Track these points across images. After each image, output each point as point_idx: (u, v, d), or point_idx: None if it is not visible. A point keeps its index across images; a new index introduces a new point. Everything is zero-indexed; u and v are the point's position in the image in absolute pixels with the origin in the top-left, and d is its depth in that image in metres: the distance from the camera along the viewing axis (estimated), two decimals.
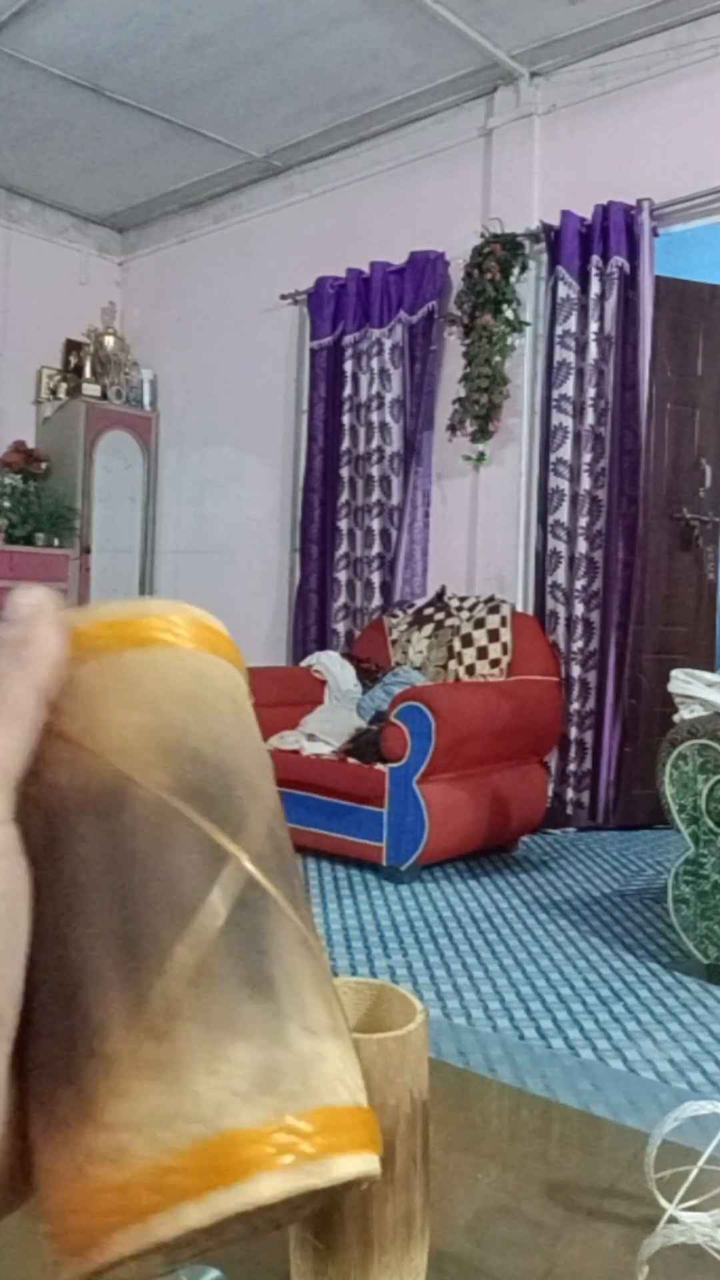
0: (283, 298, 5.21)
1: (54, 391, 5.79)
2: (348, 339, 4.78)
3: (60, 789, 0.23)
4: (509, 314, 4.20)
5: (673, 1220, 0.53)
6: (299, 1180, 0.21)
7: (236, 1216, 0.21)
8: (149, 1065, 0.21)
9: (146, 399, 5.90)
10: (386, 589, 4.62)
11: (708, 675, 2.74)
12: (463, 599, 4.14)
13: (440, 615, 4.12)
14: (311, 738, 3.77)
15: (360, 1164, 0.22)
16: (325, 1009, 0.24)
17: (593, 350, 4.00)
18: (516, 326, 4.23)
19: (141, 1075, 0.21)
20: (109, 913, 0.22)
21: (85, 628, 0.25)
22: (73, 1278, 0.21)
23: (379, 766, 3.40)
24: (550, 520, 4.12)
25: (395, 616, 4.30)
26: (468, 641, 3.94)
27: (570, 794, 4.06)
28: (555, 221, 4.09)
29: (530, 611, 4.17)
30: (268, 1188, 0.21)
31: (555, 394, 4.07)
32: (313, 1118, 0.22)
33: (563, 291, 4.06)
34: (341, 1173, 0.22)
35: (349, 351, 4.77)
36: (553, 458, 4.09)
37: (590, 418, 4.01)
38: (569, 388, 4.06)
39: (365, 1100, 0.24)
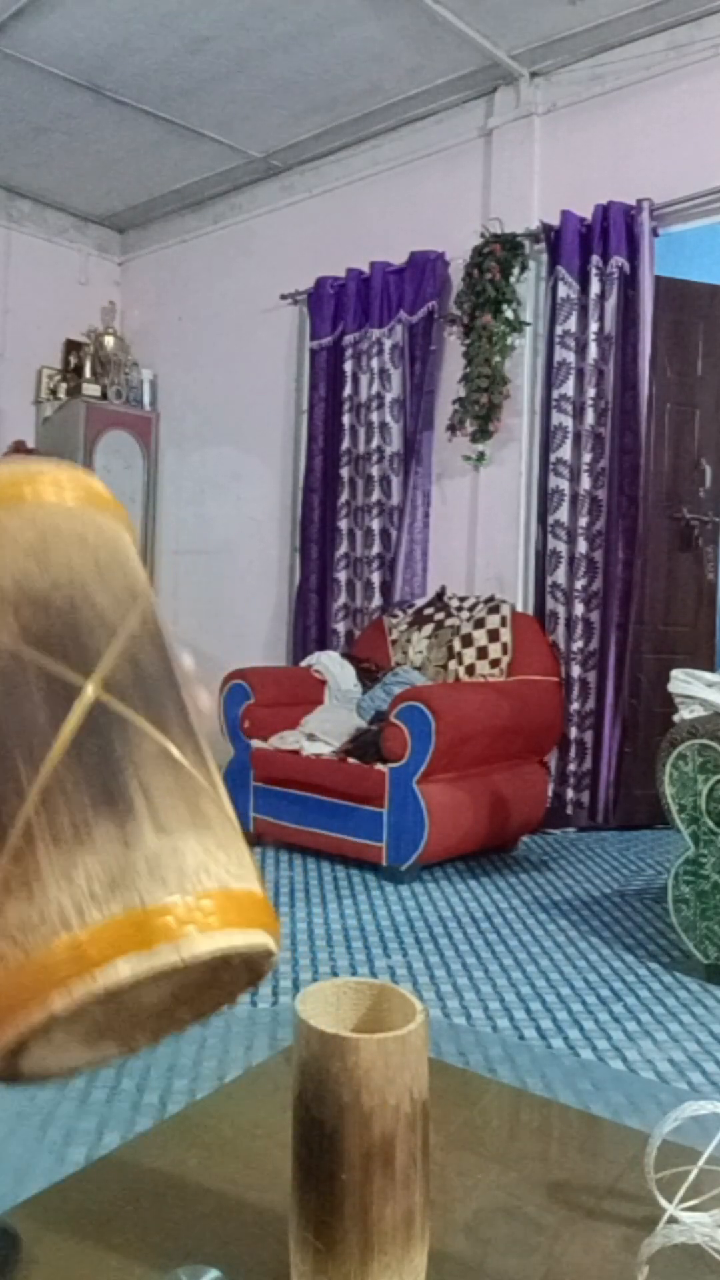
0: (283, 298, 5.22)
1: (54, 391, 5.80)
2: (348, 339, 4.78)
3: None
4: (509, 314, 4.20)
5: (673, 1220, 0.53)
6: (153, 961, 0.23)
7: (106, 999, 0.22)
8: (12, 882, 0.23)
9: (146, 399, 5.90)
10: (386, 589, 4.63)
11: (708, 675, 2.74)
12: (463, 599, 4.14)
13: (440, 615, 4.12)
14: (311, 738, 3.77)
15: (222, 940, 0.24)
16: (186, 808, 0.25)
17: (593, 350, 4.00)
18: (516, 326, 4.23)
19: (9, 892, 0.23)
20: None
21: None
22: None
23: (379, 766, 3.40)
24: (550, 520, 4.12)
25: (395, 616, 4.30)
26: (468, 641, 3.94)
27: (570, 794, 4.06)
28: (555, 221, 4.09)
29: (530, 611, 4.17)
30: (125, 969, 0.23)
31: (555, 394, 4.07)
32: (166, 908, 0.23)
33: (563, 291, 4.06)
34: (196, 950, 0.23)
35: (349, 351, 4.77)
36: (553, 458, 4.09)
37: (590, 418, 4.01)
38: (569, 388, 4.06)
39: (250, 885, 0.25)
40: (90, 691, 0.24)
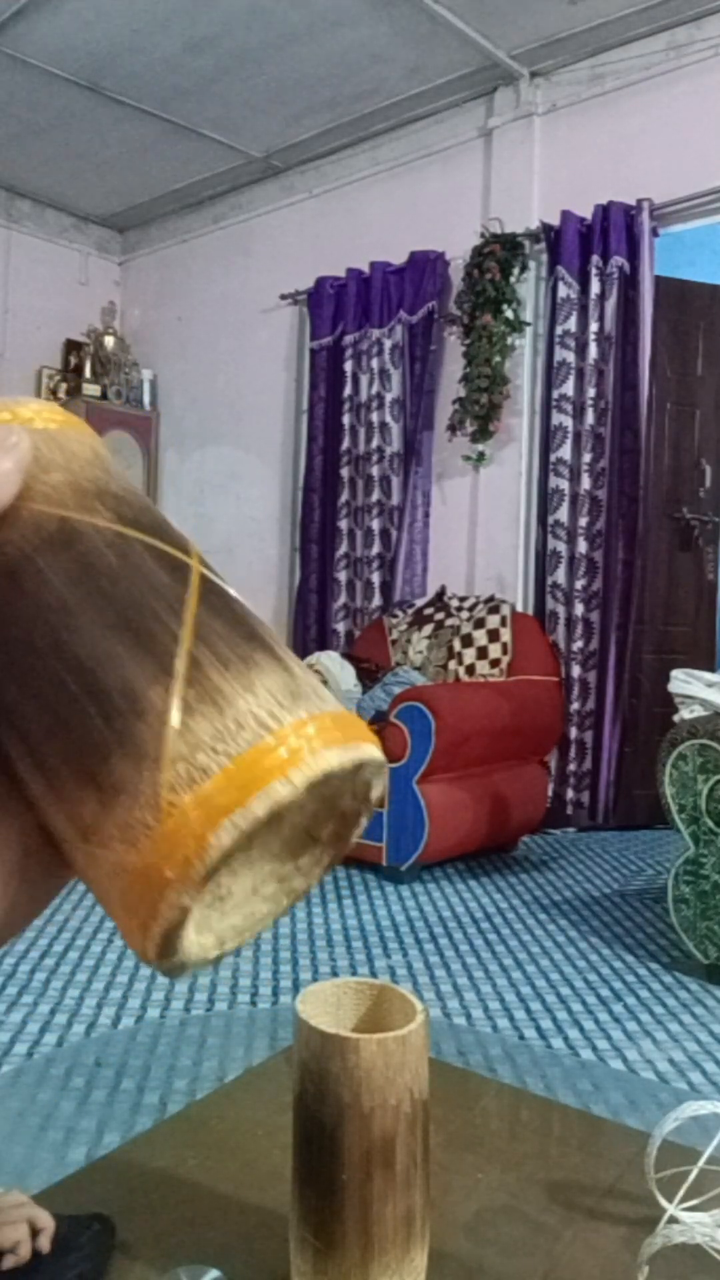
0: (283, 298, 5.22)
1: (54, 391, 5.79)
2: (348, 339, 4.78)
3: (10, 543, 0.26)
4: (509, 314, 4.20)
5: (673, 1220, 0.53)
6: (356, 753, 0.25)
7: (311, 791, 0.24)
8: (196, 702, 0.24)
9: (146, 399, 5.90)
10: (386, 589, 4.63)
11: (708, 675, 2.74)
12: (463, 599, 4.14)
13: (440, 615, 4.12)
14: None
15: (376, 749, 0.26)
16: (293, 652, 0.27)
17: (593, 350, 4.00)
18: (516, 326, 4.23)
19: (193, 713, 0.24)
20: (104, 612, 0.25)
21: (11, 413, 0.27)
22: (195, 880, 0.23)
23: None
24: (550, 520, 4.12)
25: (395, 616, 4.30)
26: (468, 641, 3.95)
27: (570, 794, 4.06)
28: (555, 221, 4.09)
29: (530, 611, 4.17)
30: (334, 757, 0.24)
31: (555, 394, 4.07)
32: (344, 713, 0.25)
33: (563, 291, 4.06)
34: (369, 753, 0.26)
35: (349, 351, 4.77)
36: (553, 458, 4.09)
37: (590, 418, 4.01)
38: (569, 388, 4.06)
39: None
40: (202, 568, 0.26)
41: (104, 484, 0.27)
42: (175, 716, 0.24)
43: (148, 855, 0.23)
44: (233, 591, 0.27)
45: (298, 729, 0.24)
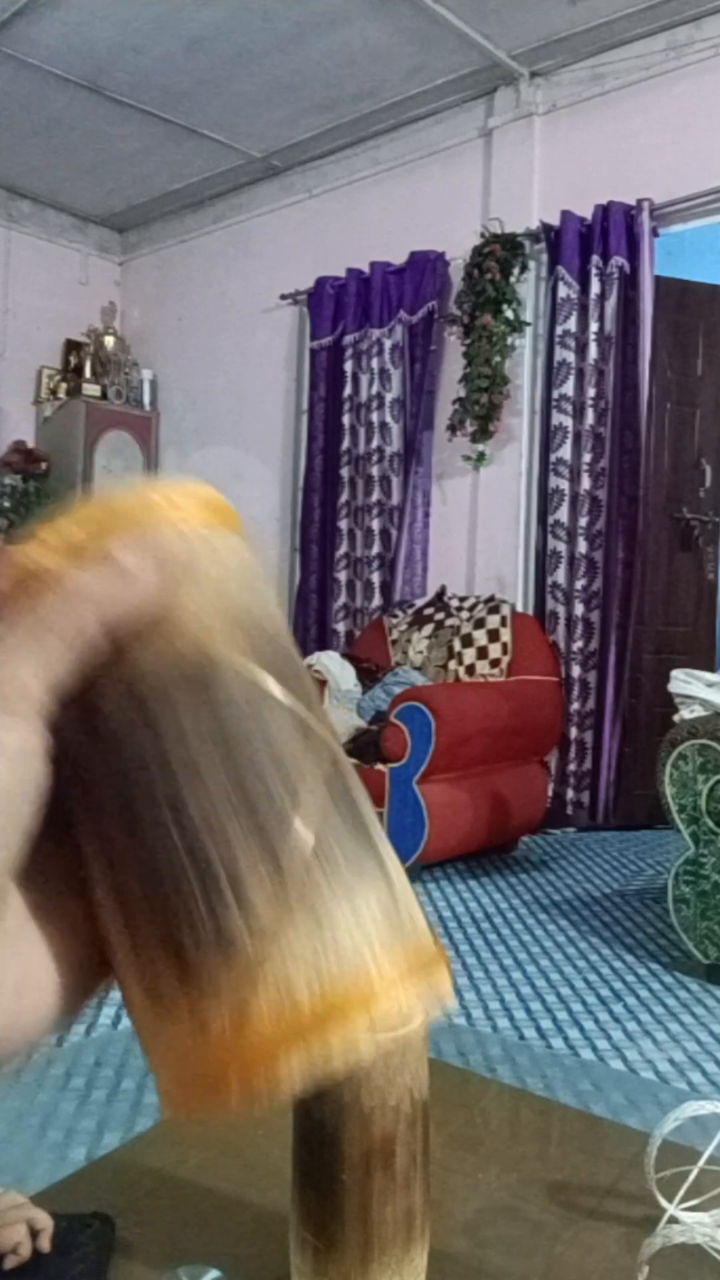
0: (283, 298, 5.22)
1: (54, 391, 5.79)
2: (348, 339, 4.78)
3: (148, 670, 0.24)
4: (509, 314, 4.20)
5: (673, 1220, 0.53)
6: (436, 994, 0.25)
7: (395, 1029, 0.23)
8: (295, 907, 0.23)
9: (146, 399, 5.90)
10: (386, 589, 4.62)
11: (708, 675, 2.74)
12: (463, 599, 4.14)
13: (440, 615, 4.12)
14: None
15: (449, 994, 0.26)
16: (391, 849, 0.26)
17: (593, 350, 4.00)
18: (516, 326, 4.23)
19: (291, 917, 0.23)
20: (224, 779, 0.24)
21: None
22: (254, 1098, 0.23)
23: (379, 767, 3.40)
24: (550, 520, 4.12)
25: (395, 616, 4.30)
26: (468, 641, 3.94)
27: (570, 794, 4.06)
28: (555, 221, 4.09)
29: (530, 611, 4.17)
30: (419, 1006, 0.24)
31: (555, 394, 4.07)
32: (428, 944, 0.25)
33: (563, 291, 4.06)
34: (444, 1006, 0.25)
35: (349, 351, 4.77)
36: (553, 458, 4.09)
37: (590, 418, 4.01)
38: (569, 388, 4.06)
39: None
40: (325, 734, 0.25)
41: (251, 610, 0.26)
42: (274, 922, 0.23)
43: (215, 1051, 0.23)
44: (348, 762, 0.26)
45: (394, 980, 0.23)
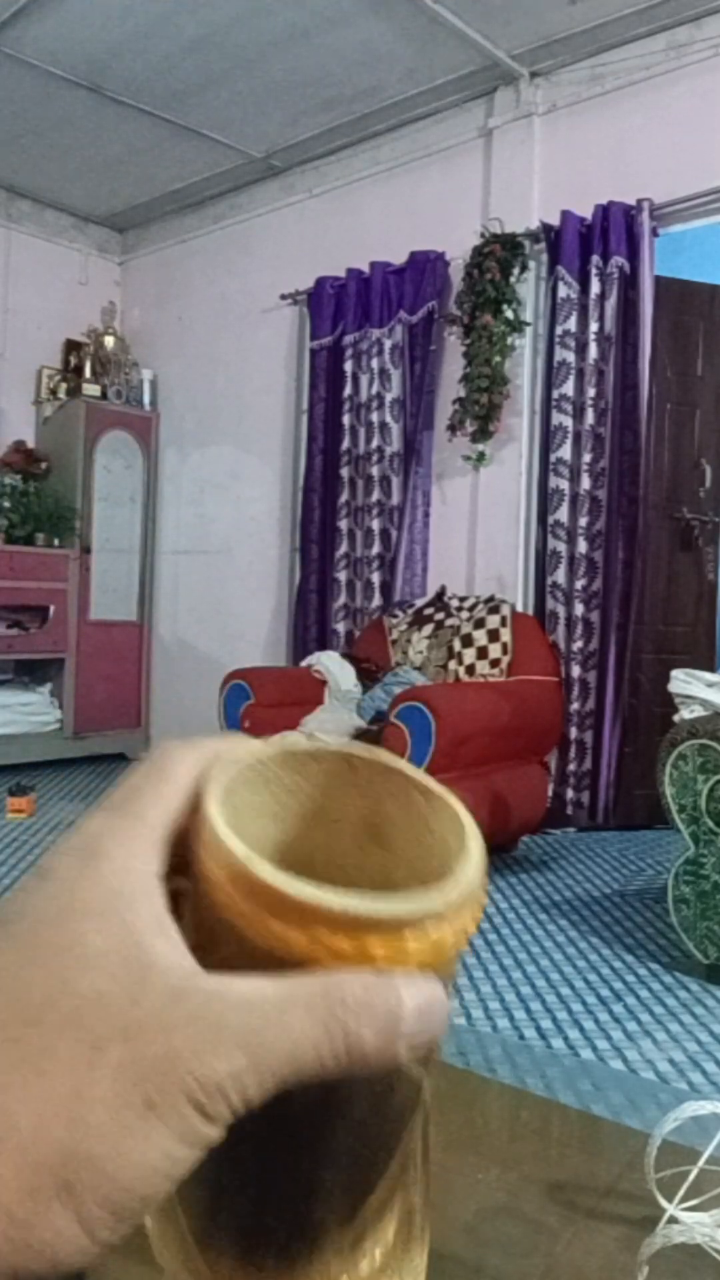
0: (283, 298, 5.21)
1: (54, 391, 5.79)
2: (348, 339, 4.78)
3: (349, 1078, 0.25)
4: (509, 314, 4.20)
5: (673, 1220, 0.53)
6: None
7: None
8: (345, 1251, 0.28)
9: (146, 399, 5.90)
10: (386, 589, 4.62)
11: (708, 675, 2.74)
12: (463, 599, 4.13)
13: (440, 615, 4.12)
14: (311, 738, 3.76)
15: None
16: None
17: (593, 350, 4.00)
18: (516, 326, 4.23)
19: (341, 1259, 0.28)
20: (345, 1161, 0.27)
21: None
22: None
23: None
24: (550, 520, 4.12)
25: (395, 616, 4.30)
26: (468, 641, 3.94)
27: (570, 794, 4.06)
28: (555, 221, 4.09)
29: (530, 611, 4.17)
30: None
31: (555, 394, 4.07)
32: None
33: (563, 291, 4.06)
34: None
35: (349, 351, 4.77)
36: (553, 458, 4.09)
37: (590, 418, 4.01)
38: (569, 388, 4.06)
39: None
40: (423, 1088, 0.29)
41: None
42: (328, 1264, 0.28)
43: None
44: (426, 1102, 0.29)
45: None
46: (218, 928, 0.24)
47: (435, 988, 0.24)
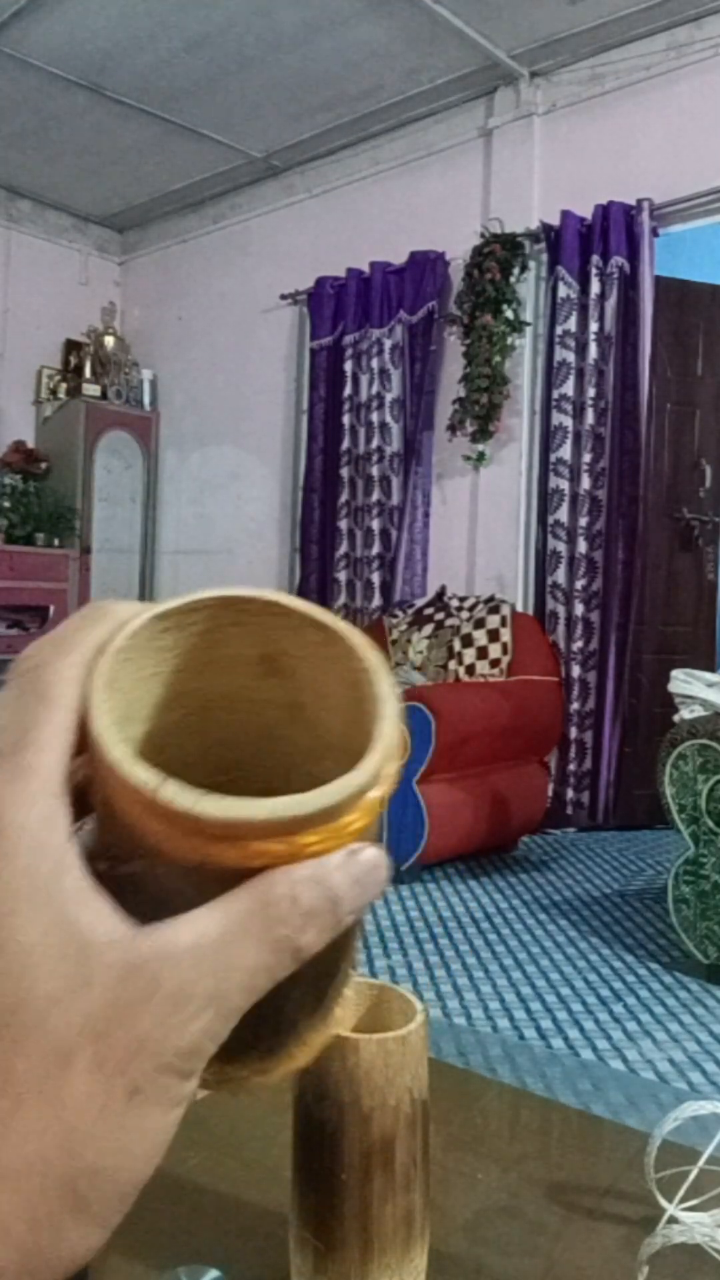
0: (283, 298, 5.22)
1: (54, 391, 5.79)
2: (348, 339, 4.78)
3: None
4: (509, 314, 4.20)
5: (673, 1220, 0.53)
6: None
7: None
8: (320, 1029, 0.29)
9: (146, 399, 5.90)
10: (386, 589, 4.62)
11: (708, 675, 2.74)
12: (463, 599, 4.14)
13: (440, 615, 4.12)
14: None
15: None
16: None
17: (593, 350, 4.00)
18: (516, 326, 4.23)
19: (315, 1031, 0.29)
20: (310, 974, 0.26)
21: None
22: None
23: None
24: (550, 520, 4.12)
25: (395, 616, 4.30)
26: (468, 641, 3.94)
27: (570, 794, 4.06)
28: (555, 221, 4.09)
29: (530, 611, 4.17)
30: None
31: (555, 394, 4.07)
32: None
33: (563, 291, 4.06)
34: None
35: (349, 351, 4.77)
36: (553, 458, 4.09)
37: (590, 418, 4.01)
38: (569, 388, 4.06)
39: None
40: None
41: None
42: (315, 1039, 0.28)
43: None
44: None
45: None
46: (135, 843, 0.22)
47: (369, 854, 0.23)
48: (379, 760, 0.24)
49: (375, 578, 4.66)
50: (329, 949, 0.24)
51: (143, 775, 0.22)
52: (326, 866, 0.22)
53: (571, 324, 4.06)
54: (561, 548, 4.10)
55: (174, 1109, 0.22)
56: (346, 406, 4.77)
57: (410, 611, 4.26)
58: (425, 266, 4.52)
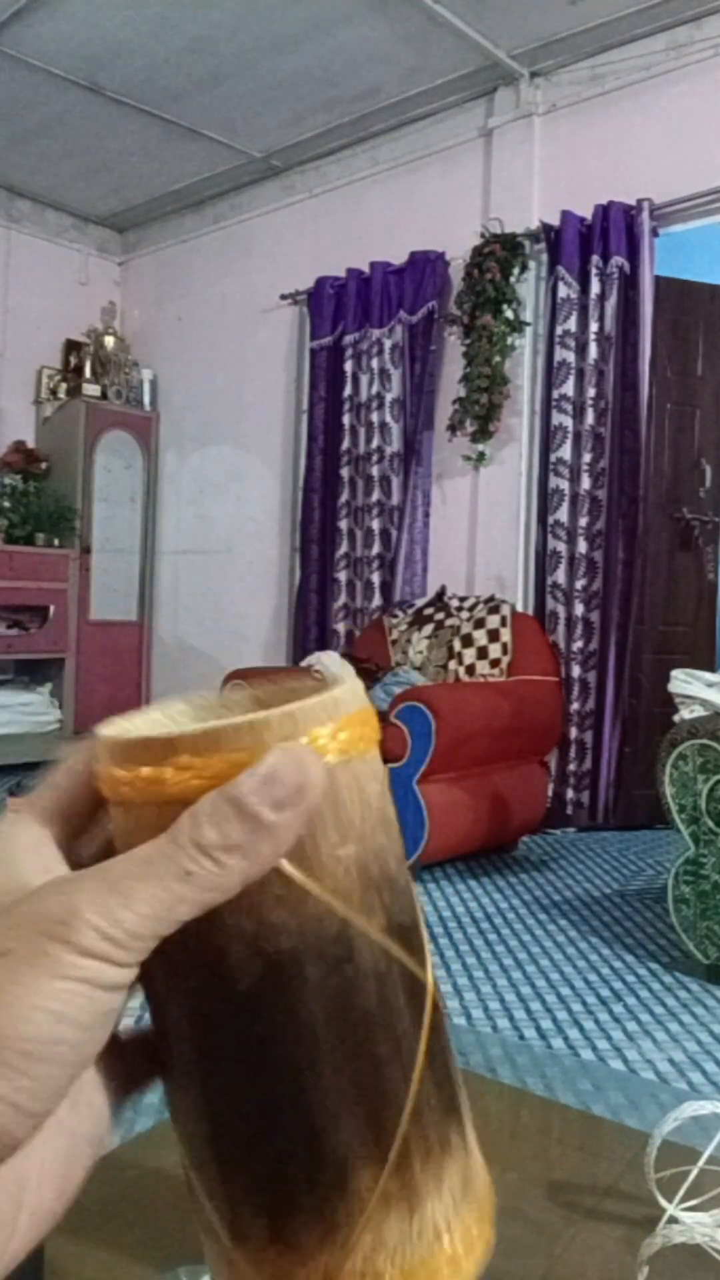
0: (283, 298, 5.22)
1: (54, 391, 5.79)
2: (348, 339, 4.78)
3: (283, 931, 0.23)
4: (509, 314, 4.20)
5: (673, 1220, 0.53)
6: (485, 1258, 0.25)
7: None
8: (392, 1198, 0.24)
9: (146, 399, 5.90)
10: (386, 589, 4.62)
11: (708, 675, 2.74)
12: (463, 599, 4.14)
13: (440, 615, 4.12)
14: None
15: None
16: (464, 1094, 0.27)
17: (593, 350, 4.00)
18: (516, 326, 4.23)
19: (387, 1208, 0.24)
20: (345, 1065, 0.24)
21: (322, 736, 0.24)
22: None
23: None
24: (550, 520, 4.12)
25: (395, 616, 4.30)
26: (468, 641, 3.94)
27: (570, 794, 4.06)
28: (555, 221, 4.09)
29: (530, 611, 4.17)
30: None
31: (555, 394, 4.07)
32: (481, 1203, 0.26)
33: (563, 291, 4.06)
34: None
35: (349, 351, 4.77)
36: (553, 458, 4.09)
37: (590, 418, 4.01)
38: (569, 388, 4.06)
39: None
40: (433, 989, 0.25)
41: (383, 854, 0.25)
42: (376, 1211, 0.24)
43: None
44: (443, 1003, 0.26)
45: (461, 1254, 0.25)
46: (129, 823, 0.24)
47: (276, 755, 0.23)
48: (299, 708, 0.24)
49: (375, 578, 4.66)
50: (345, 992, 0.23)
51: (99, 738, 0.24)
52: (226, 790, 0.23)
53: (571, 324, 4.06)
54: (561, 548, 4.10)
55: (64, 983, 0.22)
56: (346, 406, 4.77)
57: (410, 611, 4.26)
58: (425, 266, 4.52)
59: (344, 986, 0.24)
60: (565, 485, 4.08)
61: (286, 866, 0.23)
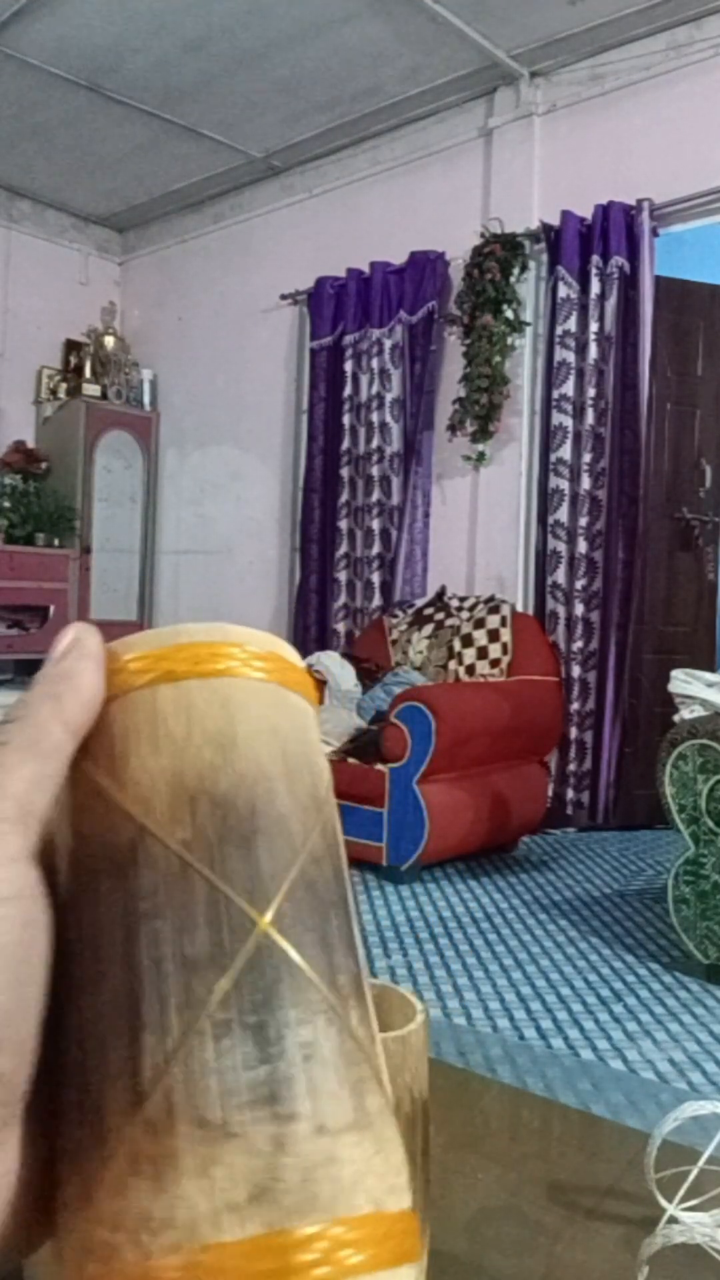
0: (283, 298, 5.22)
1: (54, 391, 5.79)
2: (348, 339, 4.78)
3: (84, 838, 0.23)
4: (509, 314, 4.20)
5: (673, 1220, 0.53)
6: None
7: None
8: (143, 1161, 0.20)
9: (146, 399, 5.90)
10: (386, 589, 4.62)
11: (708, 675, 2.74)
12: (463, 599, 4.14)
13: (440, 615, 4.12)
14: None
15: None
16: (350, 1096, 0.21)
17: (593, 350, 4.00)
18: (516, 326, 4.23)
19: (136, 1171, 0.20)
20: (121, 988, 0.21)
21: (126, 660, 0.24)
22: None
23: (379, 767, 3.40)
24: (550, 520, 4.12)
25: (395, 616, 4.30)
26: (468, 641, 3.94)
27: (570, 794, 4.06)
28: (555, 221, 4.09)
29: (530, 611, 4.17)
30: None
31: (555, 394, 4.07)
32: (312, 1239, 0.20)
33: (563, 291, 4.06)
34: None
35: (349, 351, 4.77)
36: (553, 458, 4.09)
37: (590, 418, 4.01)
38: (569, 388, 4.06)
39: (400, 1201, 0.21)
40: (264, 927, 0.22)
41: (207, 779, 0.23)
42: (117, 1170, 0.20)
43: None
44: (301, 964, 0.22)
45: (226, 1255, 0.19)
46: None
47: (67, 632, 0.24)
48: (135, 637, 0.25)
49: (375, 578, 4.66)
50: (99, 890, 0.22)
51: None
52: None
53: (571, 324, 4.06)
54: (561, 548, 4.10)
55: None
56: (346, 406, 4.77)
57: (410, 611, 4.26)
58: (425, 266, 4.52)
59: (130, 897, 0.22)
60: (565, 485, 4.08)
61: (92, 771, 0.23)
